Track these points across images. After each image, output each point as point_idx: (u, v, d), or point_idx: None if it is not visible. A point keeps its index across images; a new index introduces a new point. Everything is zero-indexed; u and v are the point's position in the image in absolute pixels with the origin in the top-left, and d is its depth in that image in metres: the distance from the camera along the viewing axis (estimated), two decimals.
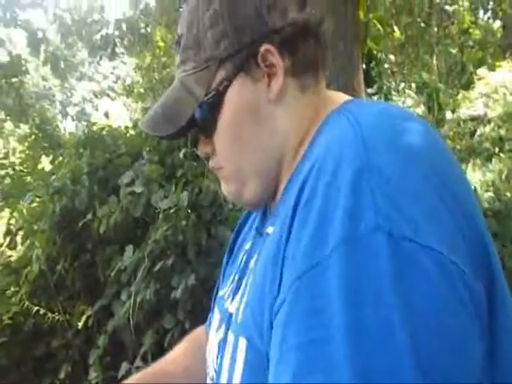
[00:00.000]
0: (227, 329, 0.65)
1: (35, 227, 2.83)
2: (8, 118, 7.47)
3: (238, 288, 0.66)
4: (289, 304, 0.45)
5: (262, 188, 0.66)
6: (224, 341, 0.64)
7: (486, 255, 0.48)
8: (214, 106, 0.63)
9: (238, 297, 0.65)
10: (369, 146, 0.47)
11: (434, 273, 0.42)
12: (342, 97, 0.67)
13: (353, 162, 0.46)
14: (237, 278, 0.69)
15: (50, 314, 2.51)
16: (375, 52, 2.80)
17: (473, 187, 2.93)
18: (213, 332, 0.71)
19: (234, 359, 0.59)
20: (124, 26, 5.96)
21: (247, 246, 0.73)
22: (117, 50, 6.22)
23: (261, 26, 0.62)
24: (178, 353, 0.92)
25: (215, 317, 0.73)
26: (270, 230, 0.61)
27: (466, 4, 7.59)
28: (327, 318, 0.42)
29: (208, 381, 0.72)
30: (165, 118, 0.67)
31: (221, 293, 0.75)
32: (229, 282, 0.73)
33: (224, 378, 0.61)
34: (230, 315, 0.64)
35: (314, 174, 0.49)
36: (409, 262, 0.42)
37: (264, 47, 0.61)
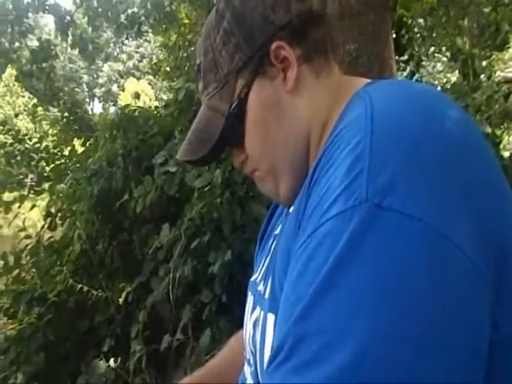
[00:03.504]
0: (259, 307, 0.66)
1: (74, 208, 2.92)
2: (39, 102, 7.63)
3: (268, 271, 0.68)
4: (292, 266, 0.48)
5: (295, 180, 0.66)
6: (257, 320, 0.65)
7: (501, 256, 0.44)
8: (238, 114, 0.65)
9: (267, 276, 0.66)
10: (375, 129, 0.47)
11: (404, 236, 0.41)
12: (361, 81, 0.66)
13: (356, 146, 0.46)
14: (267, 262, 0.71)
15: (92, 291, 2.60)
16: (405, 19, 2.72)
17: (508, 154, 2.83)
18: (247, 316, 0.72)
19: (263, 335, 0.61)
20: (149, 5, 5.96)
21: (277, 231, 0.74)
22: (142, 28, 6.23)
23: (269, 28, 0.63)
24: (225, 351, 0.95)
25: (249, 301, 0.74)
26: (291, 209, 0.64)
27: None
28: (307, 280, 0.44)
29: (245, 364, 0.73)
30: (198, 142, 0.68)
31: (253, 278, 0.77)
32: (260, 267, 0.75)
33: (257, 356, 0.63)
34: (262, 295, 0.66)
35: (325, 156, 0.51)
36: (374, 227, 0.41)
37: (274, 45, 0.63)
